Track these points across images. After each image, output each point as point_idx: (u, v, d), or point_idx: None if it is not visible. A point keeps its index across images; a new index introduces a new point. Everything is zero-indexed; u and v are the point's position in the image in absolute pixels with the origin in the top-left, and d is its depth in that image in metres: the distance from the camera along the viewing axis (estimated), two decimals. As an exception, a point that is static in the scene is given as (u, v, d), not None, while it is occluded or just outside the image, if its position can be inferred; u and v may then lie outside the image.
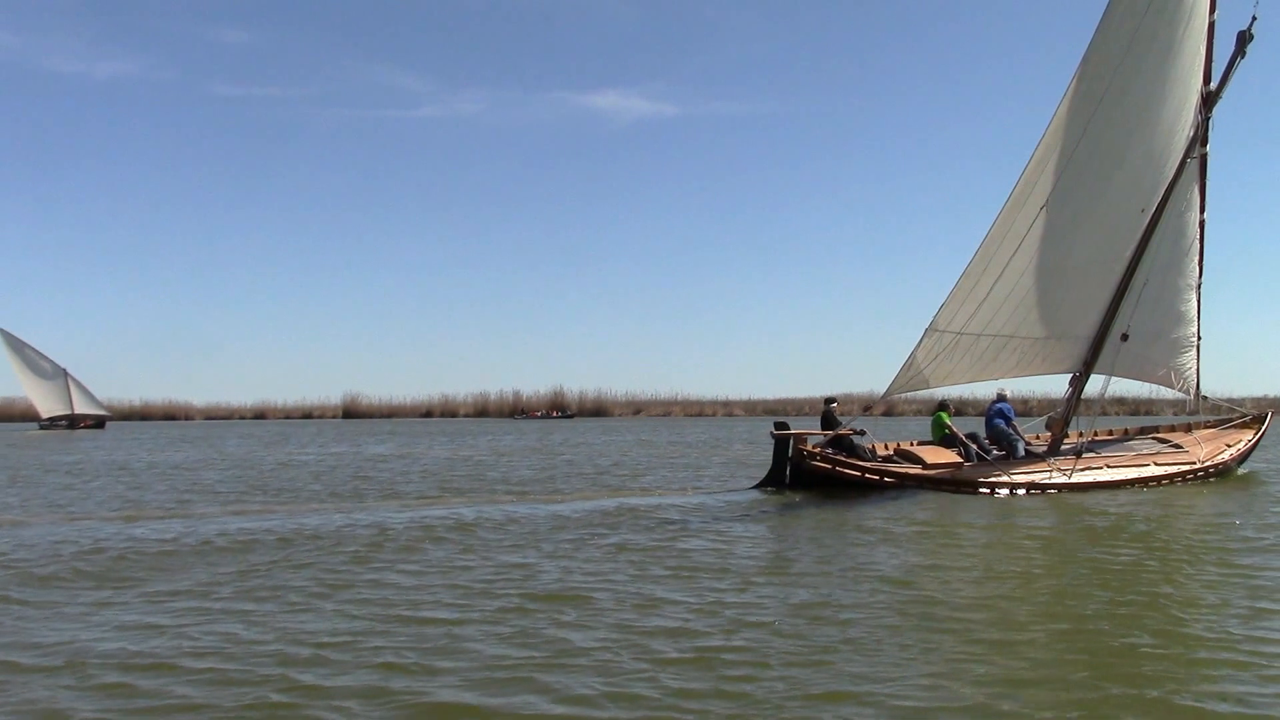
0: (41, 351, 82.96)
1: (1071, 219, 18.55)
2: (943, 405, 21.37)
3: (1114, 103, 18.01)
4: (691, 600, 9.40)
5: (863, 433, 20.29)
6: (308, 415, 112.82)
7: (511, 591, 9.87)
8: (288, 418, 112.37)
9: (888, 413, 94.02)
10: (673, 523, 15.15)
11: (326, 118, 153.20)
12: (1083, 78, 17.81)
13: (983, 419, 21.12)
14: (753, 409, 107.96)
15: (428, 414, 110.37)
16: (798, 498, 18.58)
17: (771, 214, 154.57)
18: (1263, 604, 9.02)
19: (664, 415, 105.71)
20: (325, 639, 8.12)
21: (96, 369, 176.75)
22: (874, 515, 15.90)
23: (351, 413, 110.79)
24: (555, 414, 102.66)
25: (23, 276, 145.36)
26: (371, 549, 12.69)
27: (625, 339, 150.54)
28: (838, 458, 19.50)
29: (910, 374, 19.06)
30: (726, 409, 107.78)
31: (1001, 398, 20.86)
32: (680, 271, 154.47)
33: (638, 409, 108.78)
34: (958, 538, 13.60)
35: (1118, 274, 19.60)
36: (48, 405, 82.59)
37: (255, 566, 11.57)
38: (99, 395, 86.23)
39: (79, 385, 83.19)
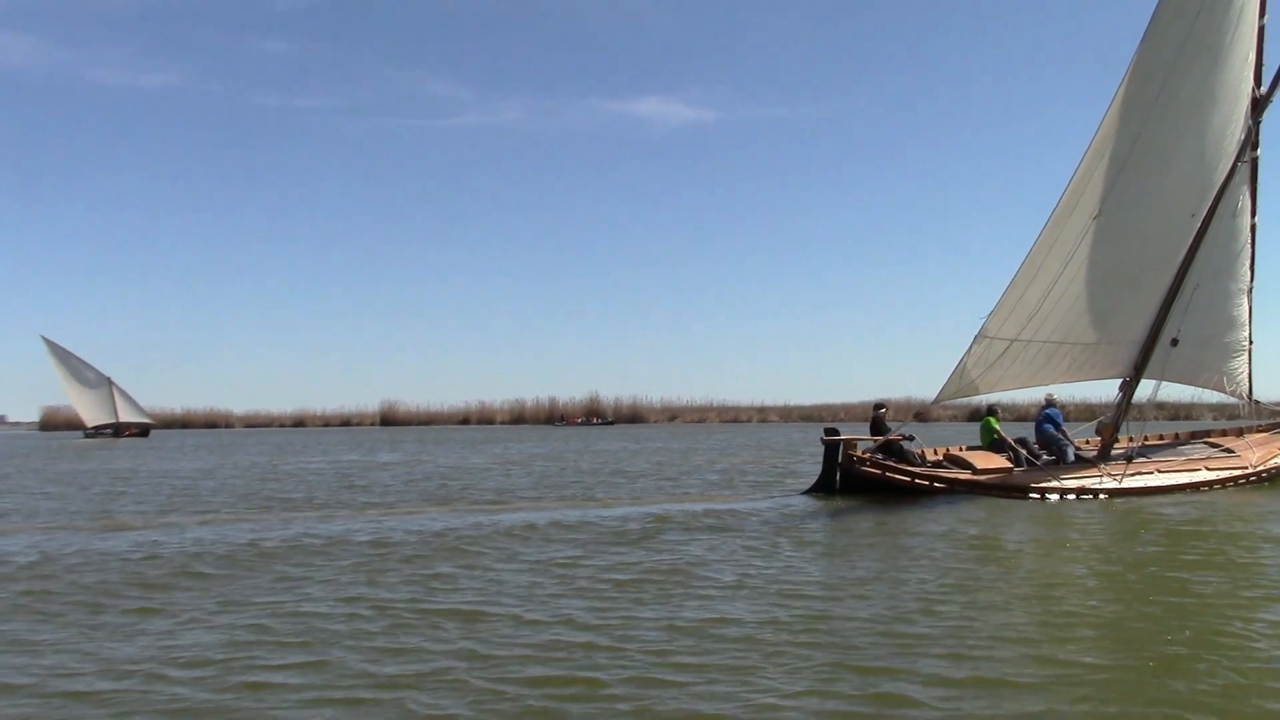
0: (86, 360, 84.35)
1: (1121, 225, 18.55)
2: (991, 410, 21.41)
3: (1164, 108, 18.00)
4: (568, 618, 9.09)
5: (912, 438, 20.39)
6: (346, 423, 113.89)
7: (402, 608, 9.58)
8: (327, 425, 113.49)
9: (920, 417, 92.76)
10: (633, 535, 14.92)
11: (367, 127, 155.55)
12: (1131, 83, 17.83)
13: (1022, 424, 21.13)
14: (788, 415, 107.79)
15: (465, 421, 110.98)
16: (845, 503, 18.68)
17: (811, 218, 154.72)
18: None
19: (699, 421, 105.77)
20: (150, 668, 7.67)
21: (140, 377, 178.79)
22: (876, 519, 15.98)
23: (389, 420, 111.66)
24: (595, 420, 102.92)
25: (67, 285, 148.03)
26: (307, 563, 12.50)
27: (662, 344, 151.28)
28: (887, 463, 19.62)
29: (960, 381, 19.12)
30: (762, 415, 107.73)
31: (1050, 403, 20.89)
32: (718, 276, 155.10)
33: (673, 415, 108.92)
34: (900, 545, 13.53)
35: (1168, 279, 19.57)
36: (92, 414, 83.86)
37: (173, 582, 11.40)
38: (143, 403, 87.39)
39: (123, 394, 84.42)
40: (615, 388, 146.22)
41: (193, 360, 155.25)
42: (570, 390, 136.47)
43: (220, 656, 7.97)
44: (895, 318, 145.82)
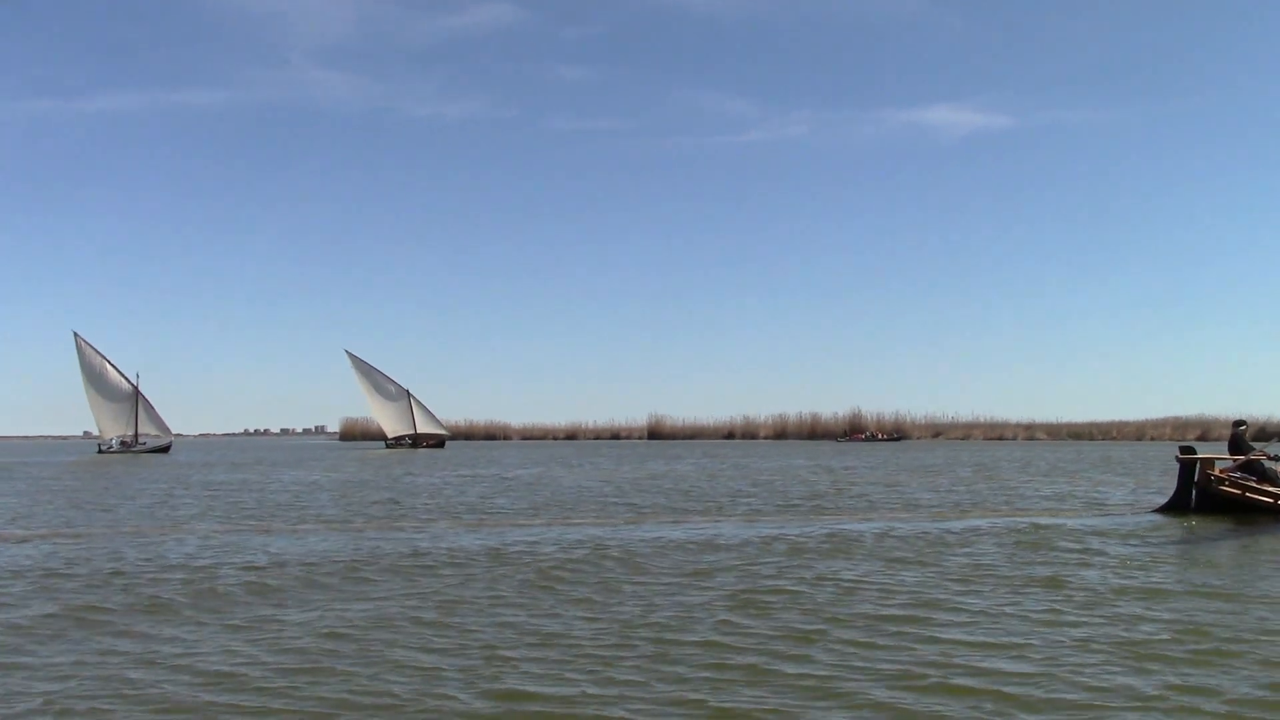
0: (387, 374, 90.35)
1: None
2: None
3: None
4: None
5: (1278, 458, 20.02)
6: (615, 436, 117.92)
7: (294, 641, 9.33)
8: (597, 438, 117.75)
9: (1202, 437, 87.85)
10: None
11: (659, 147, 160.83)
12: None
13: None
14: (1057, 432, 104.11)
15: (729, 435, 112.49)
16: (1200, 523, 18.60)
17: (1104, 226, 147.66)
18: None
19: (963, 439, 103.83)
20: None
21: (436, 390, 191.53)
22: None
23: (656, 434, 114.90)
24: (880, 436, 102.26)
25: (374, 303, 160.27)
26: (231, 583, 12.64)
27: (926, 358, 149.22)
28: (1248, 483, 19.37)
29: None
30: (1029, 432, 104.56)
31: None
32: (996, 286, 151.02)
33: (937, 432, 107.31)
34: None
35: None
36: (392, 425, 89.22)
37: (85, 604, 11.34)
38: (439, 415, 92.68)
39: (421, 406, 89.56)
40: (877, 403, 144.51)
41: (482, 375, 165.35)
42: (832, 405, 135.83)
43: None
44: (1187, 329, 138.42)
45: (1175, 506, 20.24)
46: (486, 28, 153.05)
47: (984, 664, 8.22)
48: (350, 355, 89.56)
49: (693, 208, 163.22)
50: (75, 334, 77.20)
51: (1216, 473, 19.86)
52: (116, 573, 13.41)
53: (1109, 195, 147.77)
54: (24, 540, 17.63)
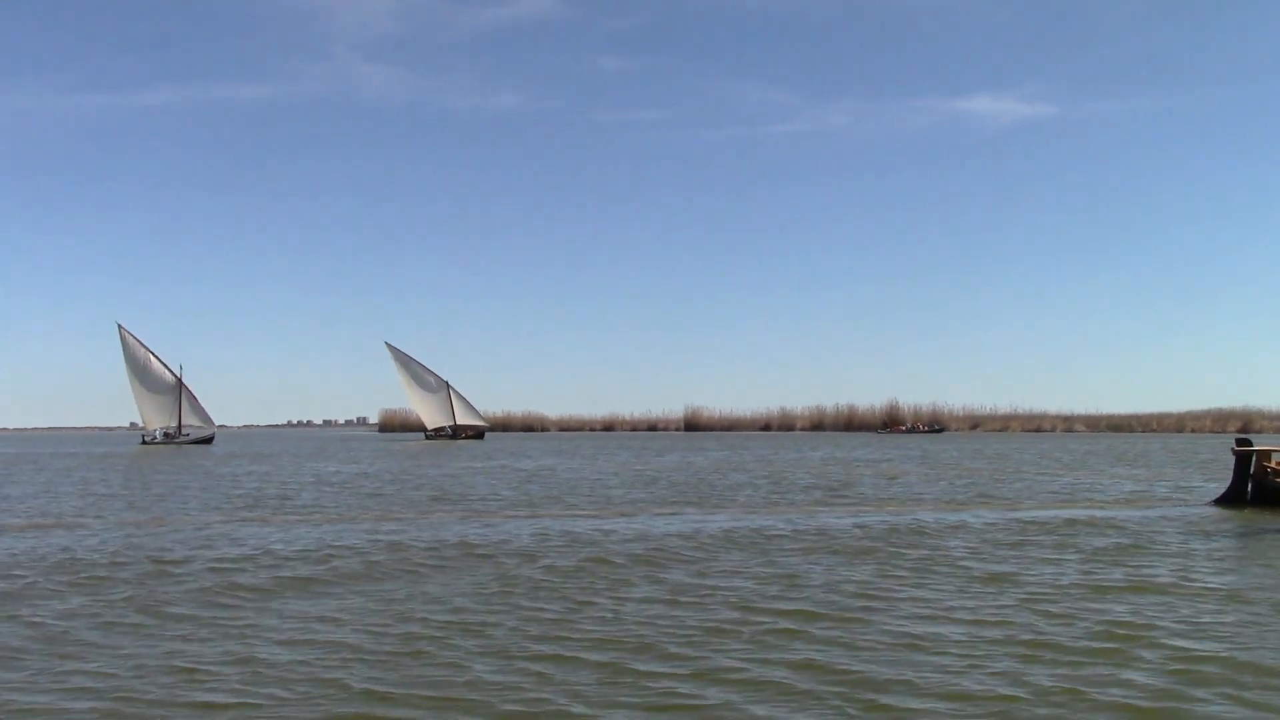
0: (427, 365, 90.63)
1: None
2: None
3: None
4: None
5: None
6: (652, 427, 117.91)
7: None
8: (634, 429, 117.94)
9: (1244, 428, 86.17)
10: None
11: (699, 137, 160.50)
12: None
13: None
14: (1095, 424, 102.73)
15: (766, 427, 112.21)
16: (1257, 515, 18.25)
17: (1154, 214, 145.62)
18: None
19: (1001, 430, 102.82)
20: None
21: (475, 382, 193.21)
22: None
23: (692, 425, 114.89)
24: (921, 428, 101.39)
25: (415, 295, 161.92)
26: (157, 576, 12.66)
27: (963, 349, 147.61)
28: None
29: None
30: (1067, 424, 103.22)
31: None
32: (1043, 278, 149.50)
33: (975, 423, 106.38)
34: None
35: None
36: (432, 417, 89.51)
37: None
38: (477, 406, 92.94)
39: (460, 397, 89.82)
40: (915, 395, 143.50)
41: (521, 367, 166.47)
42: (870, 397, 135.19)
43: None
44: (1231, 320, 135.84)
45: (1231, 499, 19.93)
46: (528, 20, 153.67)
47: (853, 666, 8.08)
48: (390, 347, 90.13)
49: (733, 198, 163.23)
50: (120, 326, 78.40)
51: (1273, 464, 19.56)
52: (85, 562, 13.61)
53: (1155, 184, 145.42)
54: (5, 531, 17.94)
